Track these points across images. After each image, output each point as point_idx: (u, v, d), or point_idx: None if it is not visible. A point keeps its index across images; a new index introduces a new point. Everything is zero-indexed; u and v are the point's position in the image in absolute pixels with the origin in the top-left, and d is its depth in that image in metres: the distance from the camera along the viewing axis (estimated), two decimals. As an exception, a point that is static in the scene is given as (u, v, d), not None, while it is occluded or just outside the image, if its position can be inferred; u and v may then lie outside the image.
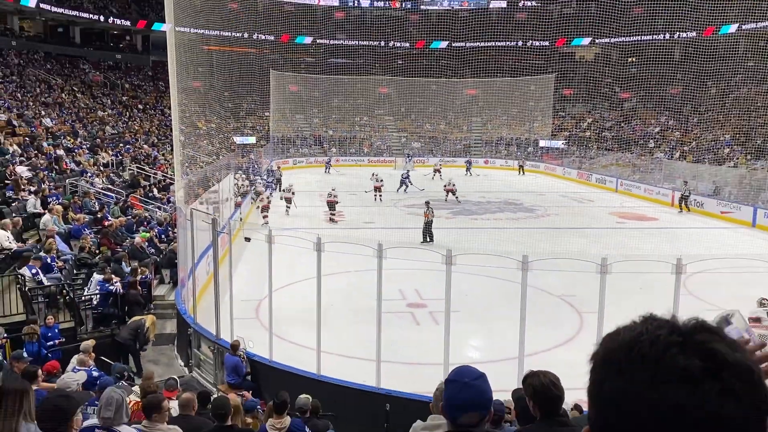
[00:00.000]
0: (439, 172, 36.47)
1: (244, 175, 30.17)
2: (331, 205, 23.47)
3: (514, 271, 8.20)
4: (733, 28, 37.61)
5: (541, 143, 47.98)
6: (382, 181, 28.94)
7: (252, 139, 45.39)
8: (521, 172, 42.30)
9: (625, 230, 22.74)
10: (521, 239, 18.65)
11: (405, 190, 31.07)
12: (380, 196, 28.44)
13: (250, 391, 9.29)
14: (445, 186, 29.18)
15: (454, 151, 49.85)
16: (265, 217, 22.09)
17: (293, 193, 25.15)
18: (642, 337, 0.82)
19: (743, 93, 38.81)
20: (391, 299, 11.34)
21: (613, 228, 23.36)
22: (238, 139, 44.38)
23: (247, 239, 13.24)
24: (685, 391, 0.76)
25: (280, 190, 31.58)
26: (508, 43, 48.73)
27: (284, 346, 10.39)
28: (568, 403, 5.29)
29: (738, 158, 32.66)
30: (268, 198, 24.47)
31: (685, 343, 0.80)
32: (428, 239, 18.88)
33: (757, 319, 10.09)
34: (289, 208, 24.79)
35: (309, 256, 9.49)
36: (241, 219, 22.09)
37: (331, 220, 23.26)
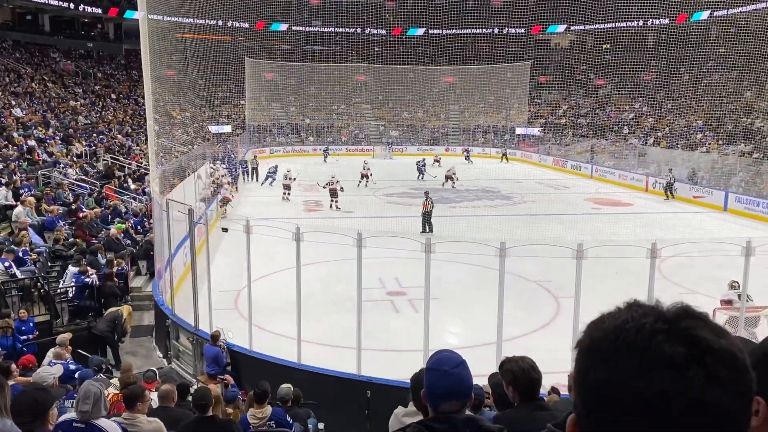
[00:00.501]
0: (439, 161, 36.84)
1: (221, 165, 29.90)
2: (334, 192, 23.71)
3: (492, 257, 8.28)
4: (704, 15, 38.03)
5: (518, 131, 48.22)
6: (369, 169, 29.86)
7: (227, 128, 44.95)
8: (504, 160, 42.65)
9: (601, 216, 23.01)
10: (499, 226, 18.78)
11: (422, 178, 31.84)
12: (366, 183, 29.21)
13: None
14: (446, 172, 30.14)
15: (432, 140, 49.93)
16: (222, 207, 21.83)
17: (292, 179, 25.61)
18: (627, 324, 0.82)
19: (715, 79, 39.35)
20: (370, 288, 11.37)
21: (589, 214, 23.62)
22: (213, 128, 43.91)
23: (225, 230, 13.17)
24: (669, 378, 0.76)
25: (256, 180, 31.45)
26: (484, 30, 48.76)
27: (264, 336, 10.37)
28: (545, 386, 5.37)
29: (710, 144, 33.15)
30: (224, 186, 24.20)
31: (671, 331, 0.80)
32: (427, 229, 18.83)
33: (729, 302, 10.31)
34: (287, 194, 25.34)
35: (288, 246, 9.46)
36: (226, 207, 21.96)
37: (336, 207, 23.51)
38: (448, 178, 29.62)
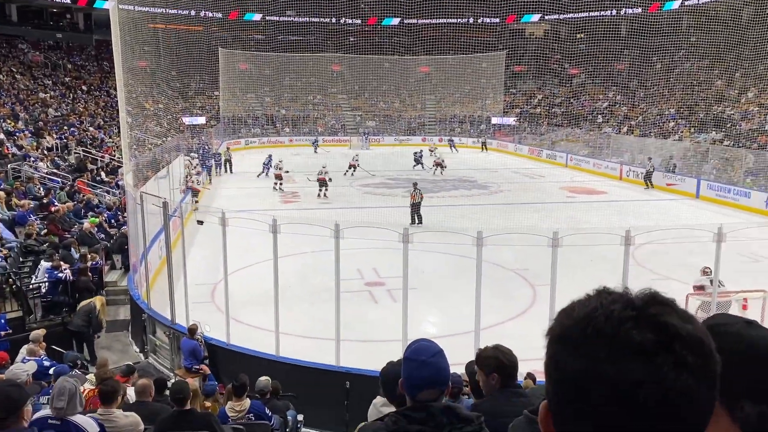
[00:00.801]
0: (434, 152, 37.00)
1: (196, 156, 29.60)
2: (323, 182, 23.95)
3: (470, 247, 8.32)
4: (676, 4, 38.50)
5: (494, 120, 48.42)
6: (358, 160, 30.57)
7: (202, 120, 44.46)
8: (484, 149, 42.85)
9: (575, 204, 23.25)
10: (475, 215, 18.87)
11: (422, 167, 32.52)
12: (353, 172, 29.80)
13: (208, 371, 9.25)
14: (435, 160, 31.40)
15: (408, 130, 49.94)
16: (195, 200, 21.72)
17: (286, 171, 25.99)
18: (597, 312, 0.82)
19: (686, 68, 39.89)
20: (348, 279, 11.36)
21: (564, 202, 23.86)
22: (187, 120, 43.39)
23: (200, 222, 13.01)
24: (639, 365, 0.77)
25: (230, 172, 31.18)
26: (459, 20, 48.79)
27: (242, 329, 10.32)
28: (521, 372, 5.43)
29: (682, 132, 33.63)
30: (196, 179, 24.04)
31: (639, 317, 0.80)
32: (416, 221, 18.55)
33: (701, 287, 10.50)
34: (280, 184, 25.67)
35: (264, 238, 9.41)
36: (196, 199, 21.78)
37: (324, 196, 23.82)
38: (438, 164, 30.91)
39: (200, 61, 46.75)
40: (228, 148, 35.14)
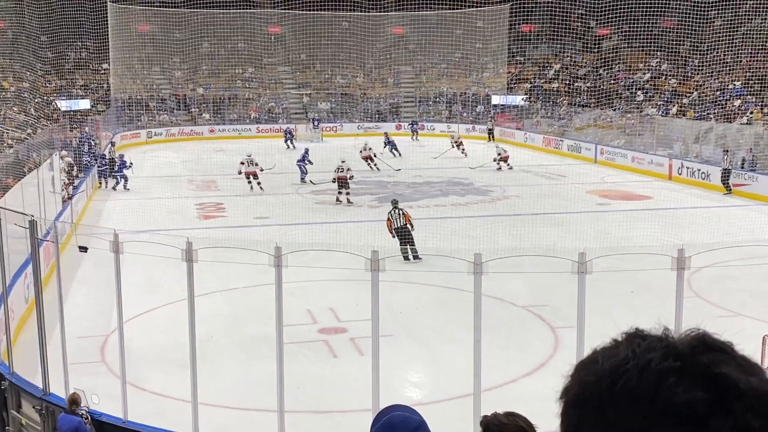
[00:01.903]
0: (459, 144, 37.72)
1: (68, 155, 29.26)
2: (343, 182, 24.46)
3: (465, 276, 8.33)
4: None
5: (494, 100, 48.84)
6: (371, 149, 32.12)
7: (85, 104, 44.09)
8: (491, 139, 43.27)
9: (609, 214, 23.51)
10: (472, 232, 18.99)
11: (399, 154, 35.18)
12: (376, 165, 31.51)
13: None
14: (499, 154, 33.27)
15: (377, 114, 50.07)
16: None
17: (261, 168, 27.16)
18: (628, 364, 0.83)
19: (756, 24, 40.66)
20: (295, 324, 11.32)
21: (593, 212, 24.13)
22: (63, 104, 42.98)
23: (83, 248, 12.83)
24: None
25: (113, 172, 30.79)
26: (445, -38, 49.27)
27: (145, 399, 10.22)
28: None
29: (752, 112, 34.23)
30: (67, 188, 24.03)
31: (685, 369, 0.81)
32: (409, 256, 18.02)
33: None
34: (259, 183, 27.03)
35: (176, 269, 9.32)
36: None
37: (348, 201, 24.59)
38: (503, 159, 32.85)
39: (82, 22, 46.28)
40: (113, 145, 34.71)
